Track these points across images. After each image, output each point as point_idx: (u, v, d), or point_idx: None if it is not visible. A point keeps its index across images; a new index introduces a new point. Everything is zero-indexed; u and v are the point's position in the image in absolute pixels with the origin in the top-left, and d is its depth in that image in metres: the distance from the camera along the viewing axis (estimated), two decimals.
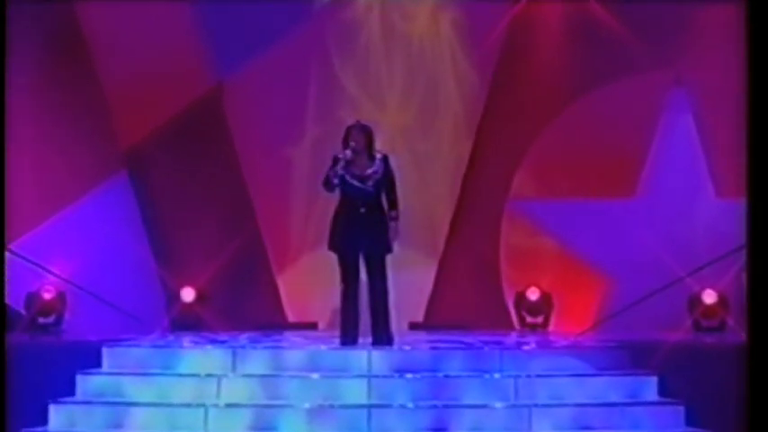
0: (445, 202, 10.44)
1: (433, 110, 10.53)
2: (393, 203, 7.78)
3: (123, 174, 10.22)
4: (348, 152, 7.63)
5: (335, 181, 7.60)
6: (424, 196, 10.25)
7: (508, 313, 10.21)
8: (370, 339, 7.79)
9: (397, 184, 7.84)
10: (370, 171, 7.70)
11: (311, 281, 10.08)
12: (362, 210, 7.64)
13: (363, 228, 7.63)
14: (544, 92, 10.27)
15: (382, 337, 7.75)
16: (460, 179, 10.43)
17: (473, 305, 10.16)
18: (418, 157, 10.36)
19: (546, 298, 10.03)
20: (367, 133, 7.73)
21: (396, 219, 7.77)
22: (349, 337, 7.73)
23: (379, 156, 7.78)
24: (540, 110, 10.29)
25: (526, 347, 7.78)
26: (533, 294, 10.03)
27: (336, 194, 7.82)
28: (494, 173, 10.38)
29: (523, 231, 10.31)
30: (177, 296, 9.95)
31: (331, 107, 10.28)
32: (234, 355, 7.29)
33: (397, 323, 8.15)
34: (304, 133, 10.38)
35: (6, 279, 8.11)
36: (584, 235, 10.10)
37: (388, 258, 7.76)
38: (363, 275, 7.79)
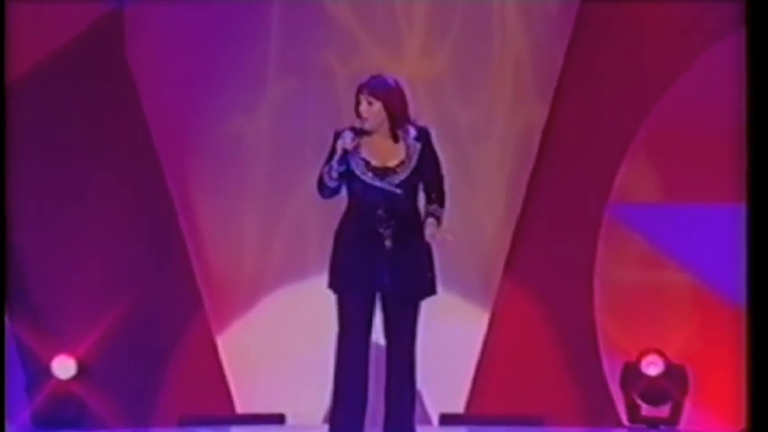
0: (501, 208, 10.40)
1: (481, 55, 10.48)
2: (436, 198, 7.62)
3: None
4: (348, 135, 7.48)
5: (332, 184, 7.46)
6: (468, 200, 10.17)
7: (611, 399, 10.22)
8: None
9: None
10: (396, 161, 7.48)
11: (274, 343, 10.06)
12: (386, 225, 7.48)
13: (388, 254, 7.46)
14: (669, 30, 10.35)
15: None
16: (527, 171, 10.39)
17: (550, 385, 10.19)
18: (457, 133, 10.26)
19: (675, 373, 10.08)
20: (402, 95, 7.55)
21: (437, 216, 7.56)
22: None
23: (412, 132, 7.60)
24: (663, 59, 10.35)
25: None
26: (653, 367, 10.05)
27: (334, 200, 7.63)
28: (584, 160, 10.32)
29: (634, 258, 10.33)
30: (46, 370, 9.94)
31: (310, 50, 10.34)
32: None
33: (421, 412, 7.73)
34: (263, 92, 10.40)
35: None
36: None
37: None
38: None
